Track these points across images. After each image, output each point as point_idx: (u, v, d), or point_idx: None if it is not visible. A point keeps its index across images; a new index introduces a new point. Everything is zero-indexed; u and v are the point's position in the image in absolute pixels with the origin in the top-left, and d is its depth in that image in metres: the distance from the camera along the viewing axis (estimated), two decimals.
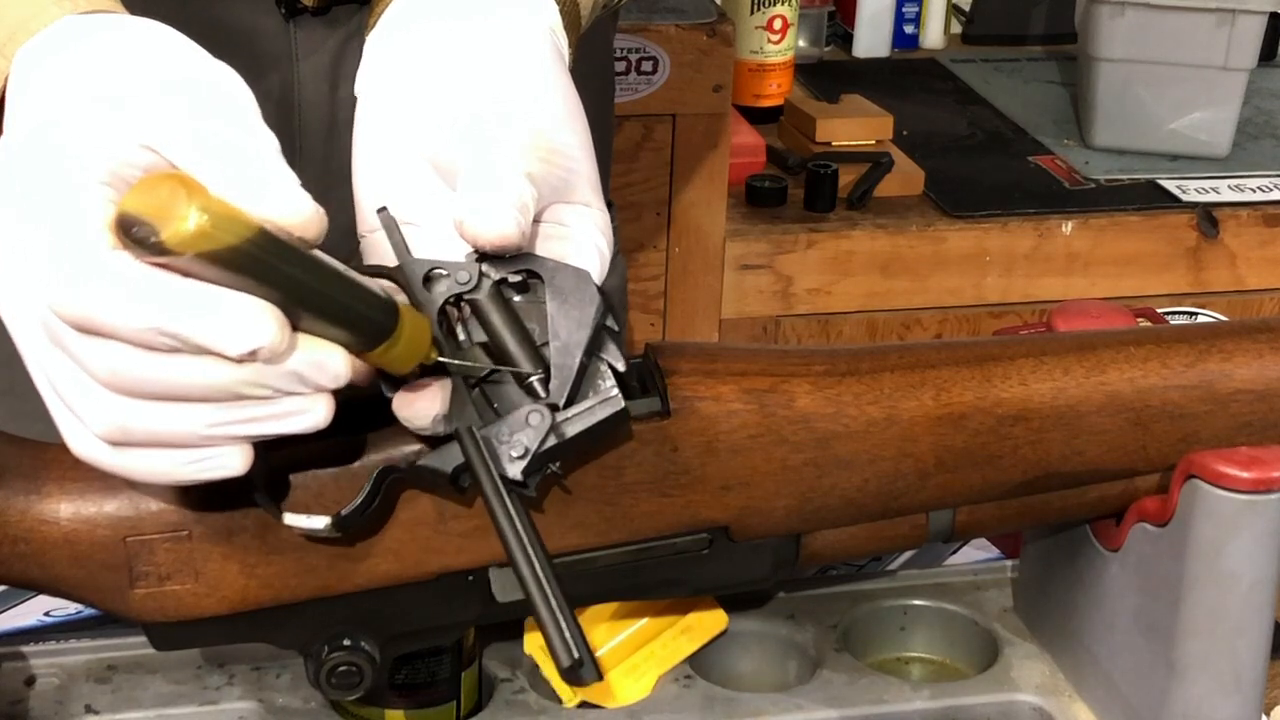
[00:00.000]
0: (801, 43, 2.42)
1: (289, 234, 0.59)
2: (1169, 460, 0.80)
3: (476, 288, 0.68)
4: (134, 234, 0.56)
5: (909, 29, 2.55)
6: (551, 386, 0.68)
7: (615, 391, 0.69)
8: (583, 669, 0.65)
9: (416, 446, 0.71)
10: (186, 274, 0.58)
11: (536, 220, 0.70)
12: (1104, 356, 0.80)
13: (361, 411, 0.70)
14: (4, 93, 0.67)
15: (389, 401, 0.68)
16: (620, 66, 1.93)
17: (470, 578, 0.75)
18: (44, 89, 0.64)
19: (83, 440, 0.63)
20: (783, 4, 2.23)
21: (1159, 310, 0.92)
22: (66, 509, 0.72)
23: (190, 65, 0.65)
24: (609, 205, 0.75)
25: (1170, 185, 2.14)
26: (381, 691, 0.82)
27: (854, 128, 2.18)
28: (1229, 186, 2.16)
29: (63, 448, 0.73)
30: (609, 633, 0.87)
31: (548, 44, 0.74)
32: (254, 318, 0.58)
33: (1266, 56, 2.38)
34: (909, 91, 2.39)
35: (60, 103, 0.63)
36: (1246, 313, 2.13)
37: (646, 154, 1.99)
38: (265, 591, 0.73)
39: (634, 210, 1.99)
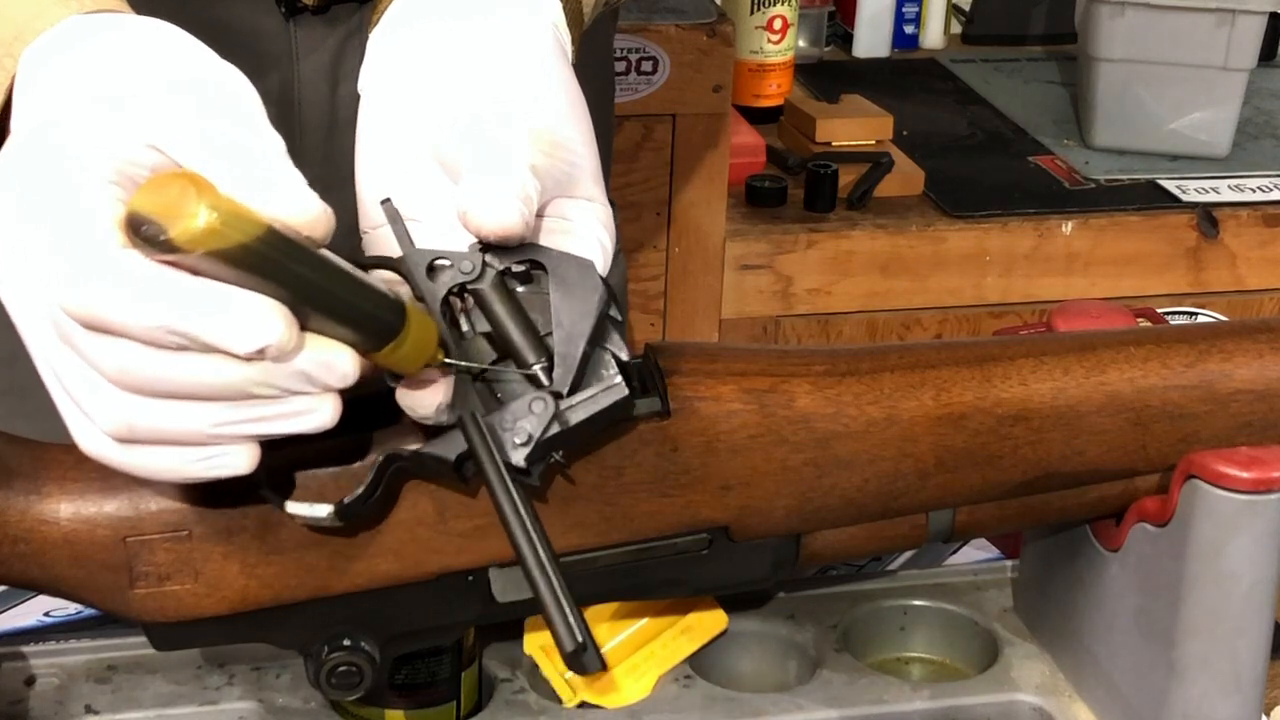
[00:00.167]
0: (801, 43, 2.42)
1: (297, 233, 0.59)
2: (1169, 460, 0.80)
3: (480, 278, 0.68)
4: (143, 232, 0.56)
5: (909, 29, 2.55)
6: (555, 375, 0.68)
7: (618, 379, 0.69)
8: (585, 655, 0.65)
9: (420, 444, 0.71)
10: (195, 272, 0.58)
11: (539, 214, 0.70)
12: (1104, 356, 0.80)
13: (364, 409, 0.70)
14: (10, 93, 0.67)
15: (391, 398, 0.68)
16: (620, 66, 1.93)
17: (470, 578, 0.75)
18: (49, 89, 0.64)
19: (91, 437, 0.63)
20: (783, 4, 2.23)
21: (1159, 310, 0.92)
22: (66, 509, 0.72)
23: (196, 65, 0.65)
24: (610, 204, 0.75)
25: (1170, 185, 2.14)
26: (381, 691, 0.82)
27: (854, 128, 2.18)
28: (1229, 186, 2.16)
29: (63, 448, 0.73)
30: (609, 633, 0.87)
31: (551, 40, 0.74)
32: (262, 316, 0.59)
33: (1266, 56, 2.38)
34: (909, 91, 2.39)
35: (64, 103, 0.63)
36: (1246, 313, 2.13)
37: (646, 154, 1.99)
38: (265, 591, 0.73)
39: (634, 210, 1.99)
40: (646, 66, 1.96)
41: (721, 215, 2.02)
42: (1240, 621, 0.80)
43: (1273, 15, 2.21)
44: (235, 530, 0.72)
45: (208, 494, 0.72)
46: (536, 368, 0.68)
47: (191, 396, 0.61)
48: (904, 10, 2.53)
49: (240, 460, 0.63)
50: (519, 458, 0.67)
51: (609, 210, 0.73)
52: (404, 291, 0.67)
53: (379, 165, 0.74)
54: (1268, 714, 0.86)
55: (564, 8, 0.76)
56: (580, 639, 0.65)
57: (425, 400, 0.67)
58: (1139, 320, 0.87)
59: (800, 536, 0.80)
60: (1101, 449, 0.80)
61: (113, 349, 0.59)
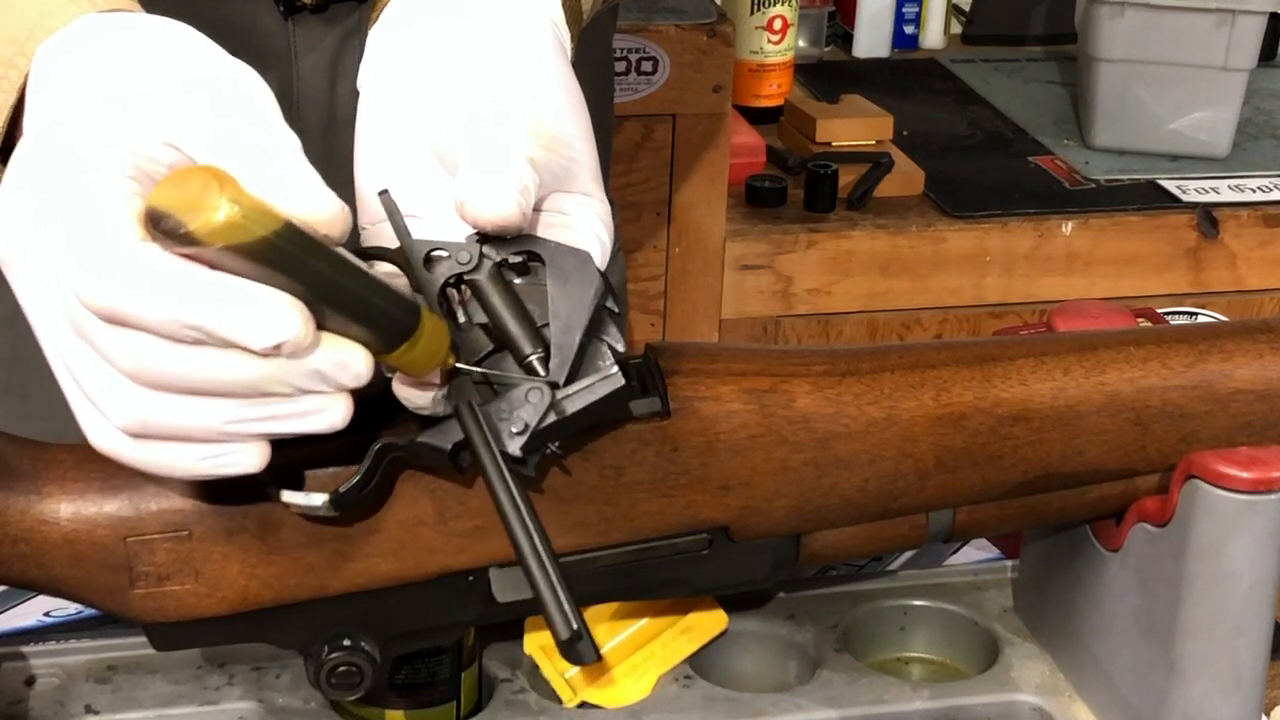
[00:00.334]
0: (801, 43, 2.42)
1: (314, 230, 0.60)
2: (1169, 460, 0.80)
3: (477, 268, 0.68)
4: (163, 226, 0.56)
5: (909, 29, 2.55)
6: (551, 365, 0.68)
7: (615, 369, 0.69)
8: (581, 644, 0.65)
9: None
10: (214, 267, 0.58)
11: (537, 209, 0.70)
12: (1104, 356, 0.80)
13: (363, 408, 0.70)
14: (24, 92, 0.67)
15: (388, 396, 0.68)
16: (620, 66, 1.93)
17: (470, 578, 0.75)
18: (61, 88, 0.65)
19: (103, 432, 0.63)
20: (783, 4, 2.23)
21: (1159, 310, 0.92)
22: (66, 509, 0.72)
23: (210, 64, 0.65)
24: (610, 203, 0.75)
25: (1170, 185, 2.14)
26: (381, 691, 0.82)
27: (854, 128, 2.18)
28: (1229, 186, 2.16)
29: (63, 448, 0.73)
30: (609, 633, 0.87)
31: (550, 37, 0.74)
32: (280, 312, 0.59)
33: (1266, 56, 2.38)
34: (909, 91, 2.39)
35: (77, 101, 0.63)
36: (1246, 313, 2.13)
37: (646, 154, 1.99)
38: (265, 591, 0.73)
39: (634, 210, 1.99)
40: (646, 66, 1.96)
41: (721, 215, 2.02)
42: (1240, 621, 0.80)
43: (1273, 15, 2.21)
44: (235, 530, 0.72)
45: (208, 494, 0.72)
46: (533, 358, 0.67)
47: (206, 393, 0.61)
48: (904, 10, 2.53)
49: (251, 459, 0.63)
50: (515, 447, 0.67)
51: (607, 207, 0.73)
52: (400, 284, 0.67)
53: (378, 162, 0.74)
54: (1268, 714, 0.86)
55: (563, 5, 0.77)
56: (575, 627, 0.65)
57: (422, 390, 0.67)
58: (1139, 320, 0.87)
59: (800, 536, 0.80)
60: (1101, 449, 0.80)
61: (129, 342, 0.60)
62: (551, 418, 0.67)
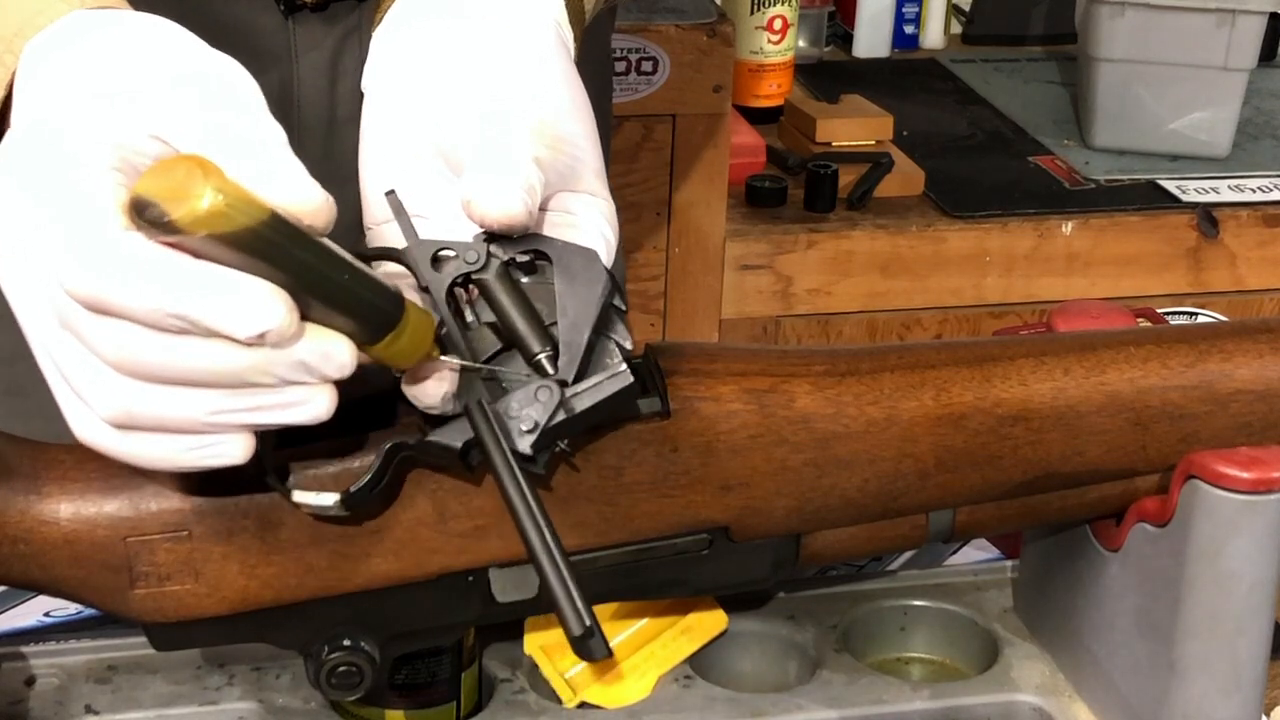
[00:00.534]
0: (801, 43, 2.42)
1: (299, 221, 0.60)
2: (1169, 460, 0.80)
3: (484, 268, 0.68)
4: (147, 215, 0.56)
5: (909, 29, 2.55)
6: (560, 363, 0.68)
7: (623, 367, 0.69)
8: (593, 640, 0.65)
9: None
10: (199, 256, 0.58)
11: (543, 209, 0.70)
12: (1104, 357, 0.80)
13: (371, 407, 0.70)
14: (11, 88, 0.67)
15: (396, 396, 0.68)
16: (620, 66, 1.93)
17: (470, 578, 0.75)
18: (49, 84, 0.65)
19: (88, 424, 0.63)
20: (783, 4, 2.23)
21: (1159, 310, 0.92)
22: (66, 509, 0.72)
23: (196, 59, 0.65)
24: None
25: (1170, 185, 2.14)
26: (381, 691, 0.82)
27: (854, 128, 2.18)
28: (1229, 186, 2.16)
29: (63, 448, 0.73)
30: (609, 633, 0.86)
31: (553, 36, 0.74)
32: (264, 300, 0.59)
33: (1266, 56, 2.38)
34: (909, 91, 2.39)
35: (64, 97, 0.63)
36: (1246, 313, 2.13)
37: (646, 154, 1.99)
38: (265, 592, 0.73)
39: (634, 210, 1.99)
40: (646, 66, 1.96)
41: (721, 215, 2.02)
42: (1240, 621, 0.80)
43: (1273, 15, 2.21)
44: (235, 530, 0.72)
45: (209, 493, 0.72)
46: (541, 356, 0.68)
47: (190, 383, 0.61)
48: (904, 10, 2.53)
49: (235, 450, 0.63)
50: (525, 445, 0.67)
51: (612, 205, 0.73)
52: (406, 284, 0.67)
53: (384, 162, 0.74)
54: (1268, 714, 0.86)
55: (565, 5, 0.77)
56: (588, 623, 0.65)
57: (431, 390, 0.67)
58: (1139, 320, 0.87)
59: (800, 536, 0.80)
60: (1101, 449, 0.80)
61: (113, 332, 0.60)
62: (561, 415, 0.68)
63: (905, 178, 2.10)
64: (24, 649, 0.88)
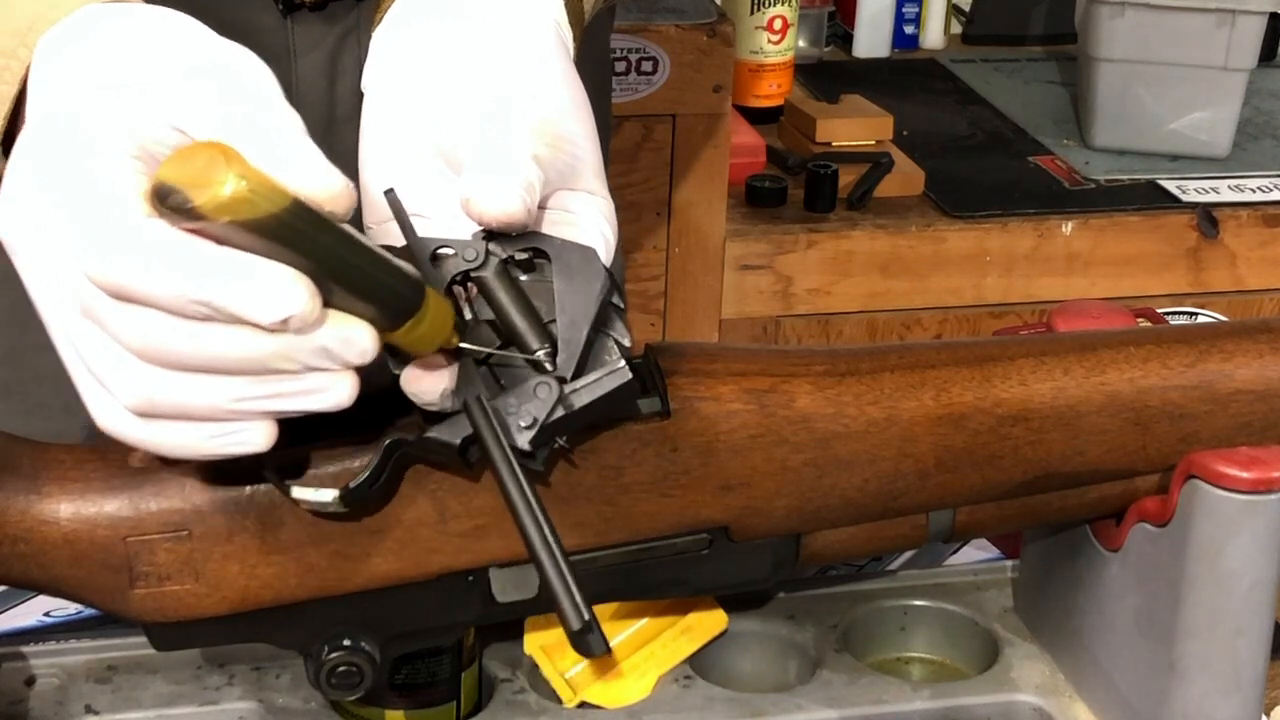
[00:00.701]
0: (801, 43, 2.42)
1: (320, 207, 0.60)
2: (1169, 460, 0.80)
3: (483, 265, 0.68)
4: (169, 202, 0.56)
5: (909, 29, 2.55)
6: (559, 360, 0.68)
7: (622, 364, 0.69)
8: (591, 635, 0.65)
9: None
10: (221, 243, 0.58)
11: (542, 207, 0.70)
12: (1104, 357, 0.80)
13: (368, 407, 0.71)
14: (26, 82, 0.67)
15: (394, 396, 0.68)
16: (620, 66, 1.93)
17: (470, 578, 0.75)
18: (63, 77, 0.65)
19: (110, 413, 0.63)
20: (783, 4, 2.23)
21: (1159, 310, 0.92)
22: (66, 509, 0.72)
23: (210, 50, 0.65)
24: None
25: (1170, 185, 2.14)
26: (381, 691, 0.82)
27: (854, 128, 2.18)
28: (1229, 186, 2.16)
29: (63, 448, 0.73)
30: (609, 633, 0.86)
31: (553, 36, 0.74)
32: (287, 286, 0.59)
33: (1266, 56, 2.38)
34: (909, 91, 2.39)
35: (78, 89, 0.63)
36: (1246, 313, 2.13)
37: (646, 154, 1.99)
38: (265, 591, 0.73)
39: (634, 210, 1.99)
40: (646, 66, 1.96)
41: (721, 215, 2.02)
42: (1240, 621, 0.80)
43: (1273, 15, 2.21)
44: (236, 530, 0.72)
45: (209, 493, 0.72)
46: (540, 353, 0.68)
47: (213, 370, 0.61)
48: (904, 10, 2.53)
49: (257, 437, 0.63)
50: (524, 441, 0.67)
51: (611, 204, 0.73)
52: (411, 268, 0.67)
53: (384, 161, 0.74)
54: (1268, 714, 0.86)
55: (565, 5, 0.77)
56: (587, 618, 0.65)
57: (430, 385, 0.67)
58: (1139, 320, 0.87)
59: (800, 536, 0.80)
60: (1101, 449, 0.80)
61: (136, 319, 0.60)
62: (560, 412, 0.68)
63: (905, 178, 2.10)
64: (24, 649, 0.88)
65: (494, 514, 0.74)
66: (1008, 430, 0.79)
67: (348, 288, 0.61)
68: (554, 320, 0.68)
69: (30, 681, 0.87)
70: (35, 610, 0.96)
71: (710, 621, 0.89)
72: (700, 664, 0.89)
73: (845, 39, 2.54)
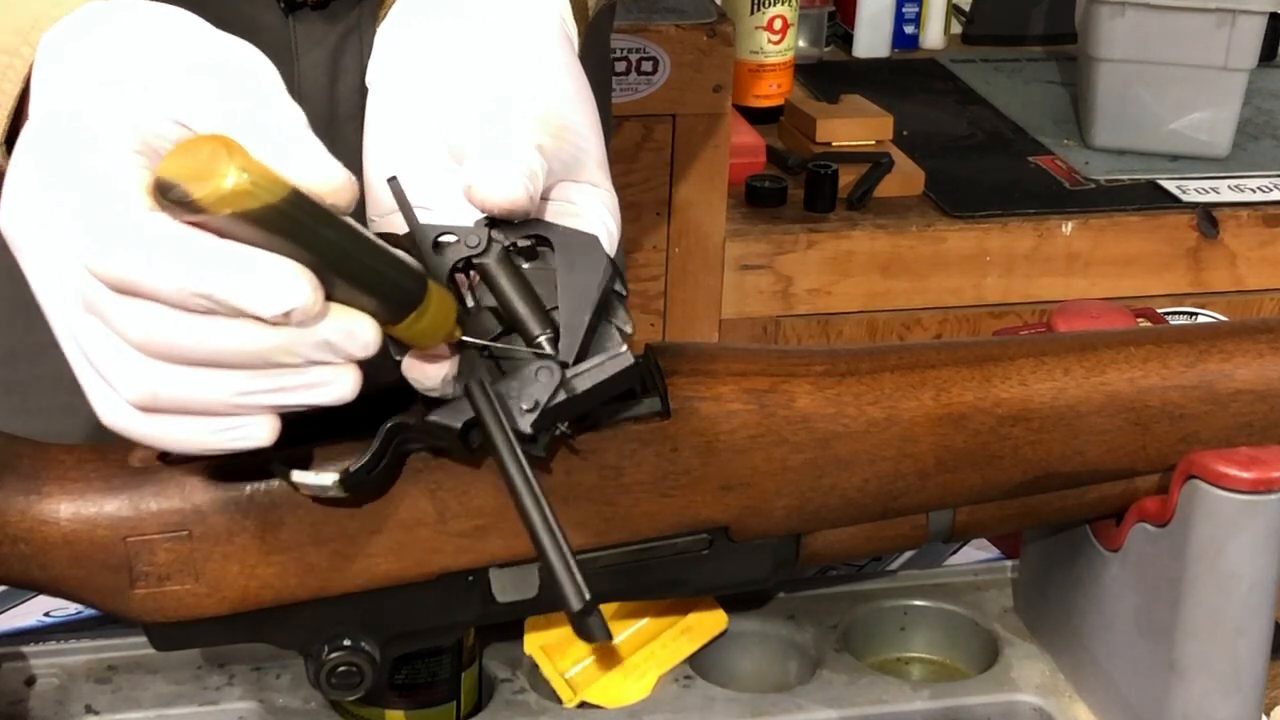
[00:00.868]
0: (801, 43, 2.42)
1: (322, 199, 0.60)
2: (1169, 460, 0.80)
3: (485, 252, 0.68)
4: (171, 195, 0.56)
5: (909, 29, 2.55)
6: (561, 345, 0.68)
7: (624, 349, 0.69)
8: (592, 618, 0.65)
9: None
10: (224, 236, 0.58)
11: (545, 198, 0.70)
12: (1104, 357, 0.80)
13: (371, 403, 0.71)
14: (29, 79, 0.67)
15: (397, 392, 0.68)
16: (620, 66, 1.93)
17: (470, 578, 0.75)
18: (66, 73, 0.65)
19: (113, 408, 0.63)
20: (783, 4, 2.23)
21: (1159, 310, 0.92)
22: (66, 509, 0.72)
23: (213, 45, 0.65)
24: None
25: (1170, 185, 2.14)
26: (381, 691, 0.82)
27: (854, 128, 2.18)
28: (1229, 186, 2.16)
29: (63, 448, 0.73)
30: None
31: (557, 32, 0.75)
32: (289, 278, 0.59)
33: (1266, 56, 2.38)
34: (909, 91, 2.39)
35: (81, 85, 0.64)
36: (1246, 313, 2.13)
37: (646, 154, 1.99)
38: (265, 591, 0.73)
39: (634, 210, 1.99)
40: (646, 66, 1.96)
41: (721, 215, 2.02)
42: (1240, 621, 0.80)
43: (1273, 15, 2.21)
44: (235, 530, 0.72)
45: (209, 493, 0.72)
46: (542, 339, 0.68)
47: (216, 364, 0.61)
48: (904, 10, 2.53)
49: (261, 432, 0.63)
50: (526, 424, 0.67)
51: (614, 197, 0.73)
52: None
53: (388, 156, 0.74)
54: (1268, 714, 0.86)
55: (569, 1, 0.77)
56: (588, 597, 0.65)
57: (432, 372, 0.67)
58: (1139, 320, 0.87)
59: (800, 536, 0.80)
60: (1101, 449, 0.80)
61: (138, 313, 0.60)
62: (561, 395, 0.68)
63: (905, 178, 2.10)
64: (24, 649, 0.88)
65: (494, 514, 0.74)
66: (1008, 430, 0.79)
67: (350, 280, 0.61)
68: (556, 306, 0.68)
69: (30, 681, 0.87)
70: (35, 610, 0.96)
71: (710, 621, 0.89)
72: (700, 664, 0.89)
73: (845, 39, 2.54)
